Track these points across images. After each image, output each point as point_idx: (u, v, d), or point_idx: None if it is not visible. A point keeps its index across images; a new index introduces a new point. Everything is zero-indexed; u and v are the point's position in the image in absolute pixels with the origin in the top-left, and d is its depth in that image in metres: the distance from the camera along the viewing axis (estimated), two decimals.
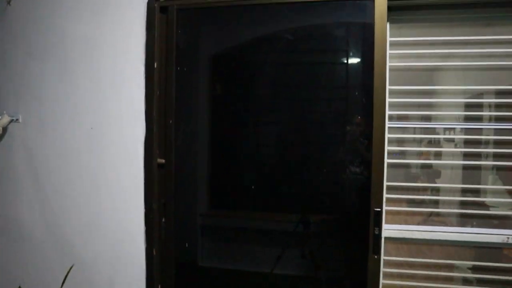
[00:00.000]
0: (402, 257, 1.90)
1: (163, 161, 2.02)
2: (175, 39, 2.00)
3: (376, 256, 1.79)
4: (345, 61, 1.91)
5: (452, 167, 1.93)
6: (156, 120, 2.01)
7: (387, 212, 1.89)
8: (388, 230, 1.88)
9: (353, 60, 1.90)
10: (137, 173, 2.02)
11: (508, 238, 1.81)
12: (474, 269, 1.89)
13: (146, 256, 2.01)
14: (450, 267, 1.90)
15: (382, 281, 1.89)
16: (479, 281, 1.88)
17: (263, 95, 2.02)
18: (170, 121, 2.00)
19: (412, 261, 1.90)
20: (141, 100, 2.02)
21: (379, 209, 1.77)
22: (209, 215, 2.28)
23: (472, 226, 1.90)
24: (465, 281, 1.92)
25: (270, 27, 1.99)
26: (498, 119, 1.87)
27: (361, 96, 1.86)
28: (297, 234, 2.09)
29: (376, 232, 1.77)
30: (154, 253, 2.01)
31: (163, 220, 2.03)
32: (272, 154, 2.12)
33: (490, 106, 1.90)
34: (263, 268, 2.13)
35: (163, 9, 2.03)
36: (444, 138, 1.93)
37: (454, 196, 1.92)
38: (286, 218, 2.11)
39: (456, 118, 1.91)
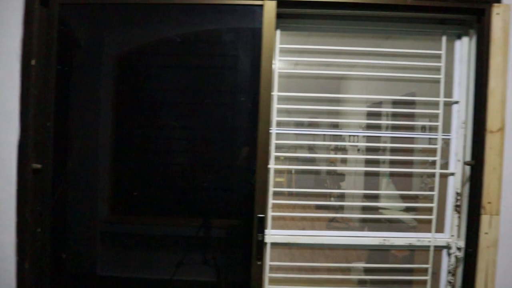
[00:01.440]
0: (291, 262, 1.91)
1: (39, 166, 1.86)
2: (56, 35, 1.86)
3: (259, 262, 1.78)
4: (234, 66, 1.90)
5: (343, 172, 1.99)
6: (32, 122, 1.85)
7: (287, 218, 1.90)
8: (274, 235, 1.89)
9: (242, 65, 1.89)
10: (10, 179, 1.84)
11: (384, 240, 1.89)
12: (365, 270, 1.95)
13: (17, 270, 1.84)
14: (342, 270, 1.95)
15: (268, 286, 1.88)
16: (361, 282, 1.95)
17: (152, 98, 1.94)
18: (48, 124, 1.85)
19: (297, 265, 1.92)
20: (15, 100, 1.85)
21: (262, 215, 1.77)
22: (110, 222, 2.15)
23: (364, 229, 1.97)
24: (350, 282, 1.98)
25: (160, 29, 1.93)
26: (395, 127, 1.96)
27: (247, 101, 1.85)
28: (198, 239, 2.03)
29: (260, 238, 1.77)
30: (27, 266, 1.84)
31: (39, 230, 1.87)
32: (168, 159, 2.05)
33: (387, 115, 1.99)
34: (165, 275, 2.05)
35: (44, 2, 1.88)
36: (325, 144, 1.98)
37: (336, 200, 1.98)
38: (186, 223, 2.05)
39: (358, 126, 1.98)
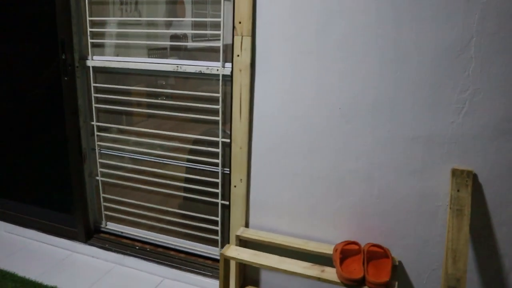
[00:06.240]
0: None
1: None
2: None
3: (66, 78, 2.14)
4: None
5: None
6: None
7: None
8: (96, 60, 2.19)
9: None
10: None
11: (177, 66, 2.01)
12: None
13: None
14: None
15: (95, 105, 2.25)
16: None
17: None
18: None
19: (118, 88, 2.21)
20: None
21: (63, 37, 2.09)
22: None
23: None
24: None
25: None
26: None
27: None
28: None
29: (64, 57, 2.11)
30: None
31: None
32: None
33: None
34: None
35: None
36: None
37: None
38: None
39: None
